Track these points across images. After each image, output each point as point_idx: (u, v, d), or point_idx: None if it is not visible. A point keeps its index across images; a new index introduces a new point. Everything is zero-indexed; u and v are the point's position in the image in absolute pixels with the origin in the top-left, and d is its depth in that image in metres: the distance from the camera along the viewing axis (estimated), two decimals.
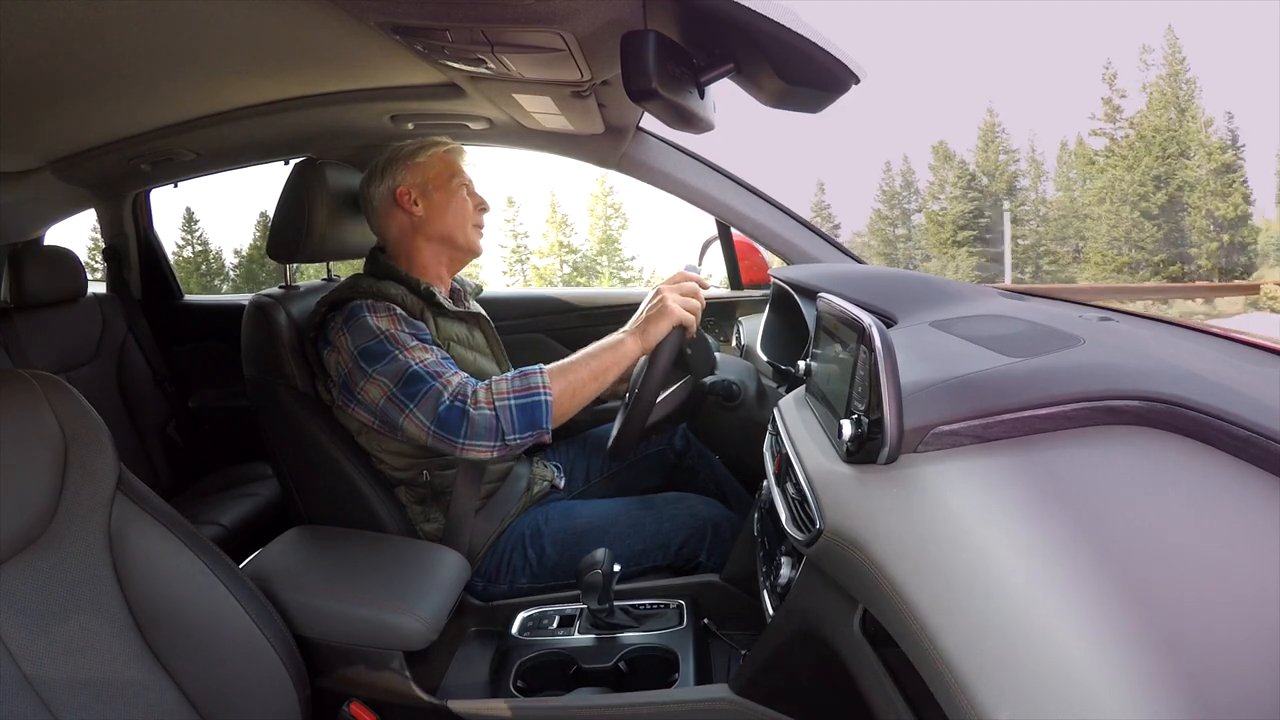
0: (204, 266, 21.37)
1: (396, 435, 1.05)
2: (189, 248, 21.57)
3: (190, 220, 21.49)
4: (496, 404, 0.99)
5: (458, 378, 1.02)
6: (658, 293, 1.08)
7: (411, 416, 1.00)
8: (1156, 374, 0.56)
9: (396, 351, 1.02)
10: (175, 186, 1.86)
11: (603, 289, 1.89)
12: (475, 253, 1.23)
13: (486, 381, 1.02)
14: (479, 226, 1.22)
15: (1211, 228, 23.28)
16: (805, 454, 0.72)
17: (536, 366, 1.03)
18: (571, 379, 1.03)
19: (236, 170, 1.76)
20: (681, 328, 1.05)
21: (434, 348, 1.07)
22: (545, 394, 1.00)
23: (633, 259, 24.08)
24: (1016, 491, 0.49)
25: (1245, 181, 23.65)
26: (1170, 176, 23.73)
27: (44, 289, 1.69)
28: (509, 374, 1.03)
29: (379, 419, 1.05)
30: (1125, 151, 24.18)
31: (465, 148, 1.24)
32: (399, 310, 1.08)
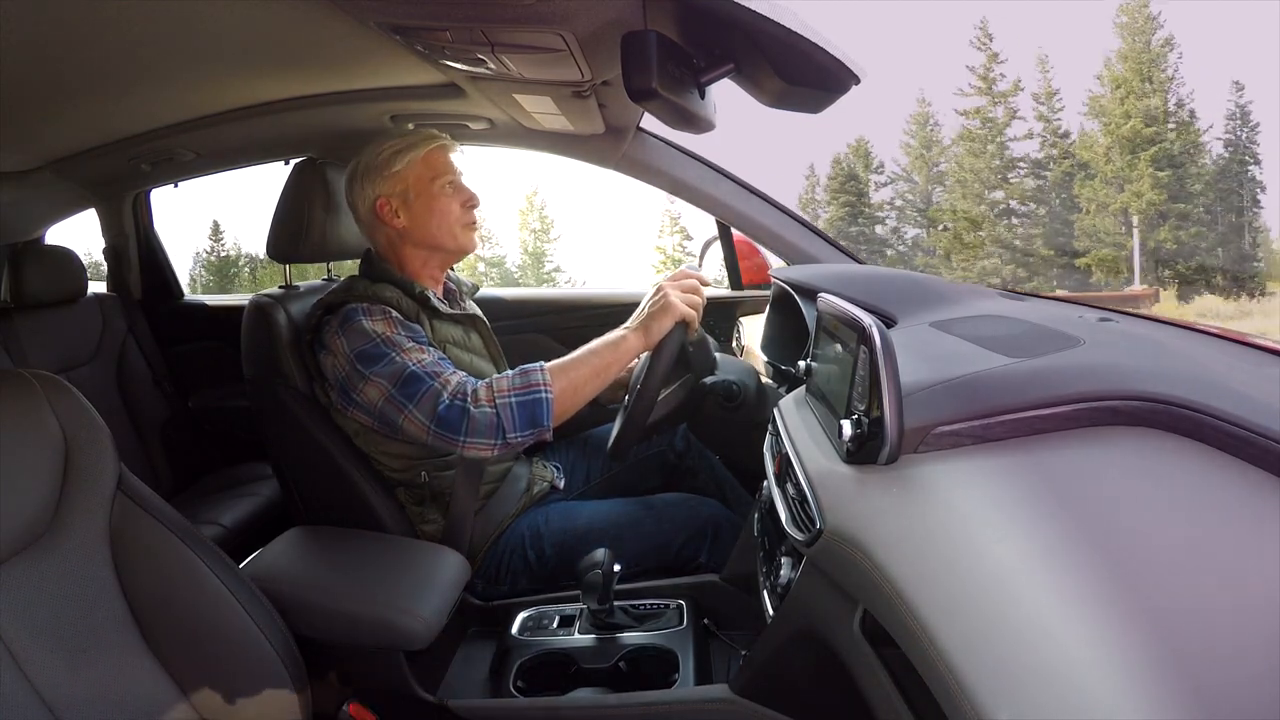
0: (230, 271, 23.50)
1: (396, 436, 1.05)
2: (214, 255, 23.45)
3: (216, 230, 23.32)
4: (497, 402, 0.98)
5: (456, 377, 1.02)
6: (659, 289, 1.07)
7: (411, 417, 1.00)
8: (1156, 374, 0.56)
9: (394, 354, 1.02)
10: (175, 186, 1.85)
11: (603, 289, 1.89)
12: (467, 252, 1.20)
13: (487, 380, 1.02)
14: (470, 224, 1.18)
15: (1121, 228, 18.68)
16: (805, 454, 0.72)
17: (537, 364, 1.03)
18: (573, 376, 1.02)
19: (239, 172, 1.76)
20: (683, 324, 1.05)
21: (430, 349, 1.07)
22: (546, 391, 1.00)
23: (556, 270, 23.80)
24: (1017, 492, 0.49)
25: (1177, 162, 18.73)
26: (1056, 160, 18.94)
27: (44, 289, 1.69)
28: (509, 372, 1.03)
29: (378, 420, 1.05)
30: (978, 132, 19.46)
31: (453, 142, 1.19)
32: (394, 313, 1.07)
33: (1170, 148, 19.16)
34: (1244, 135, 20.57)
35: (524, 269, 23.28)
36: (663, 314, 1.04)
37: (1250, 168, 20.31)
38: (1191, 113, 19.90)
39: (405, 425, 1.00)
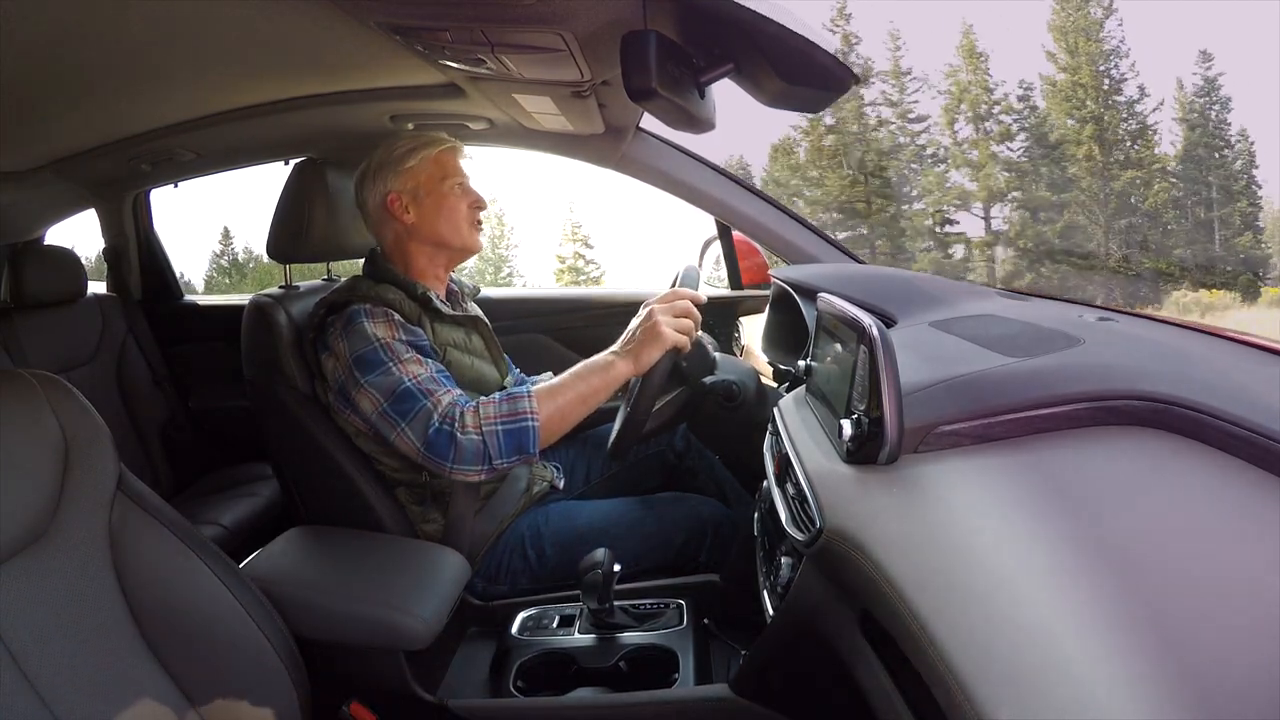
0: (235, 274, 24.36)
1: (388, 448, 1.06)
2: (224, 258, 24.22)
3: (226, 235, 24.10)
4: (484, 429, 0.99)
5: (448, 397, 1.02)
6: (650, 314, 1.06)
7: (403, 435, 1.01)
8: (1156, 374, 0.56)
9: (390, 364, 1.02)
10: (175, 186, 1.86)
11: (603, 289, 1.89)
12: (472, 252, 1.21)
13: (474, 403, 1.01)
14: (476, 225, 1.20)
15: (980, 220, 15.99)
16: (805, 454, 0.72)
17: (524, 389, 1.03)
18: (560, 403, 1.02)
19: (251, 175, 1.77)
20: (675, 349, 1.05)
21: (428, 360, 1.07)
22: (533, 419, 1.00)
23: (511, 275, 23.77)
24: (1017, 491, 0.49)
25: (1049, 143, 15.92)
26: (903, 150, 16.28)
27: (44, 289, 1.69)
28: (497, 396, 1.03)
29: (371, 430, 1.06)
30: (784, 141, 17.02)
31: (461, 145, 1.21)
32: (397, 316, 1.07)
33: (1042, 126, 16.58)
34: (1213, 114, 17.33)
35: (480, 273, 23.53)
36: (653, 343, 1.03)
37: (1222, 152, 17.23)
38: (1141, 88, 16.93)
39: (397, 442, 1.02)
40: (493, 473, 1.01)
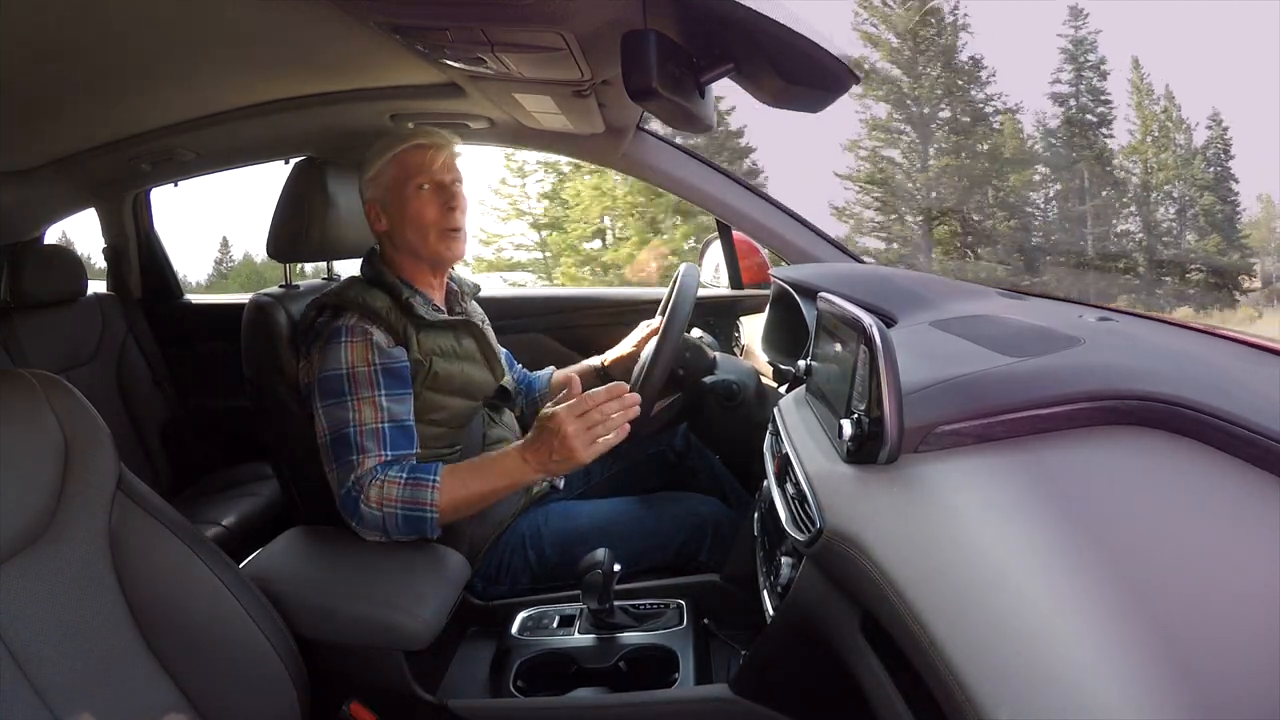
0: (237, 280, 24.31)
1: None
2: (223, 265, 24.44)
3: (225, 245, 24.19)
4: (384, 509, 0.98)
5: (372, 461, 1.00)
6: (560, 428, 0.96)
7: (331, 475, 1.03)
8: (1156, 374, 0.56)
9: (348, 398, 1.02)
10: (175, 186, 1.86)
11: (604, 289, 1.89)
12: (445, 260, 1.15)
13: (382, 477, 0.99)
14: (452, 229, 1.12)
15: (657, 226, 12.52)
16: (805, 454, 0.72)
17: (432, 474, 0.99)
18: (462, 495, 1.00)
19: (239, 171, 1.77)
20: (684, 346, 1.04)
21: (385, 404, 1.03)
22: (432, 511, 0.99)
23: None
24: (1017, 491, 0.49)
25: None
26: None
27: (43, 289, 1.69)
28: (404, 475, 0.99)
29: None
30: None
31: (441, 141, 1.12)
32: (377, 337, 1.04)
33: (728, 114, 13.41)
34: (1085, 84, 14.37)
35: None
36: (567, 461, 0.98)
37: (1096, 131, 14.32)
38: (975, 59, 13.98)
39: (328, 477, 1.03)
40: (390, 540, 1.02)
